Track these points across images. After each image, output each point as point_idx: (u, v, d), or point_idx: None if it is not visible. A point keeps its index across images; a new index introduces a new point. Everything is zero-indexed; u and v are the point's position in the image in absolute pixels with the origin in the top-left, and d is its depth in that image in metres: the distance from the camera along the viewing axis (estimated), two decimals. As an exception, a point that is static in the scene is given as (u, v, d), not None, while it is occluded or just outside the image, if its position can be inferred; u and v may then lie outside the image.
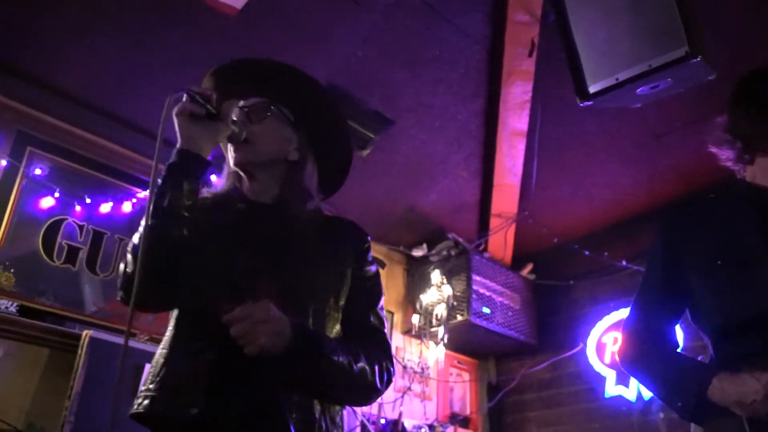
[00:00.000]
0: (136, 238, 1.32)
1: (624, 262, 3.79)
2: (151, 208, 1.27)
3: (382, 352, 1.39)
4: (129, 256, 1.33)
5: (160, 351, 1.37)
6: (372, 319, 1.44)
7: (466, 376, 4.47)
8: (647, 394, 3.53)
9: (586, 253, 3.86)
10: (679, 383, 1.49)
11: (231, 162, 1.51)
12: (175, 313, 1.41)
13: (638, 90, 2.31)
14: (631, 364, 1.63)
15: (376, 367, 1.35)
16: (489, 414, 4.39)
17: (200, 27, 2.86)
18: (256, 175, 1.50)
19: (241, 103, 1.51)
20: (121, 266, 1.36)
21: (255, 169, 1.50)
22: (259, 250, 1.36)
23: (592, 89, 2.34)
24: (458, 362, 4.44)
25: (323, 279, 1.40)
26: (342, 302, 1.42)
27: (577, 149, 3.65)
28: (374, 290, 1.49)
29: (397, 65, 3.24)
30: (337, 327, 1.41)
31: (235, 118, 1.44)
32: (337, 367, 1.28)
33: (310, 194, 1.51)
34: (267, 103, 1.50)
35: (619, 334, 3.78)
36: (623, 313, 3.81)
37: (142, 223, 1.29)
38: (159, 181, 1.32)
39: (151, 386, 1.30)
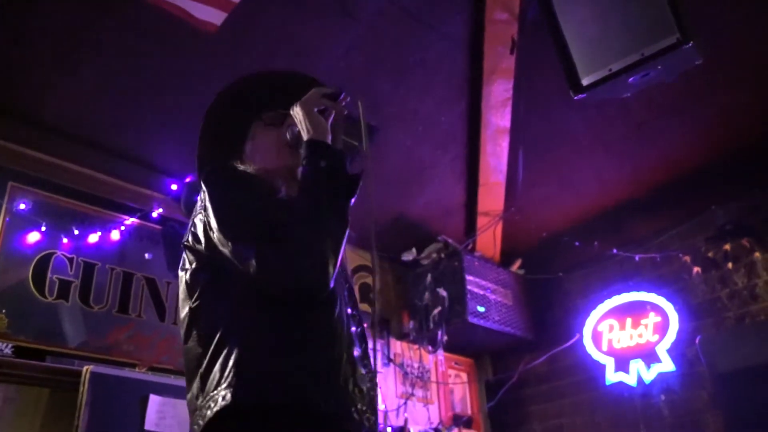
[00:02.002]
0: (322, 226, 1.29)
1: (615, 251, 3.84)
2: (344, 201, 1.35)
3: None
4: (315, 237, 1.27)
5: (311, 352, 1.29)
6: None
7: (464, 376, 4.47)
8: (648, 377, 3.58)
9: (576, 243, 3.90)
10: None
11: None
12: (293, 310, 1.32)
13: (630, 79, 2.35)
14: None
15: None
16: (490, 412, 4.40)
17: (177, 48, 2.81)
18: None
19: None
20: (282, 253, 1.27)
21: None
22: None
23: (585, 81, 2.37)
24: (456, 363, 4.44)
25: None
26: None
27: (560, 143, 3.70)
28: None
29: (381, 74, 3.24)
30: None
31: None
32: None
33: None
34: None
35: (614, 322, 3.83)
36: (617, 300, 3.87)
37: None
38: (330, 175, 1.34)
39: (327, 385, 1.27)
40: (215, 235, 1.32)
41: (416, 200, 4.09)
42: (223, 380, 1.22)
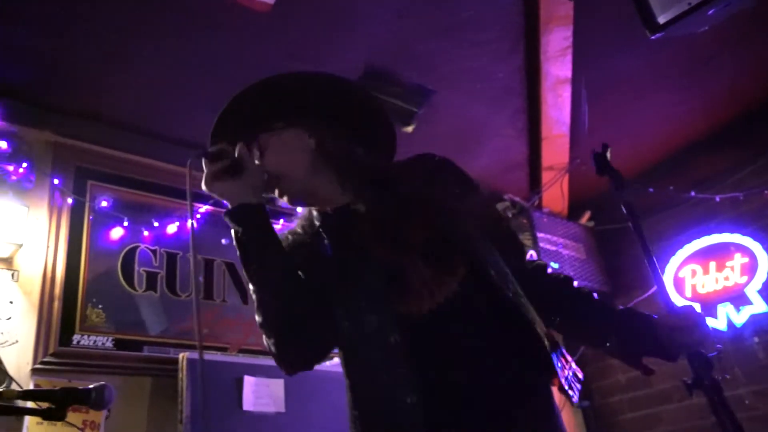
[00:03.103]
0: (257, 316, 1.27)
1: (693, 193, 3.71)
2: (252, 281, 1.28)
3: None
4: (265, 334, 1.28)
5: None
6: None
7: (541, 334, 4.44)
8: (739, 320, 3.48)
9: (650, 190, 3.78)
10: None
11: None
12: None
13: (710, 11, 2.23)
14: None
15: None
16: (572, 367, 4.36)
17: (232, 30, 2.80)
18: (311, 200, 1.44)
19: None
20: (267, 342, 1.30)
21: (306, 197, 1.43)
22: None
23: (662, 20, 2.26)
24: (532, 322, 4.41)
25: None
26: None
27: (623, 87, 3.56)
28: None
29: (433, 35, 3.17)
30: None
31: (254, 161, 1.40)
32: None
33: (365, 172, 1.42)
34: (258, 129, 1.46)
35: (697, 266, 3.72)
36: (697, 244, 3.76)
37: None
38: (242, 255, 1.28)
39: None
40: None
41: (477, 160, 4.03)
42: None
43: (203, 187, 1.35)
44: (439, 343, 1.19)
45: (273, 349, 1.25)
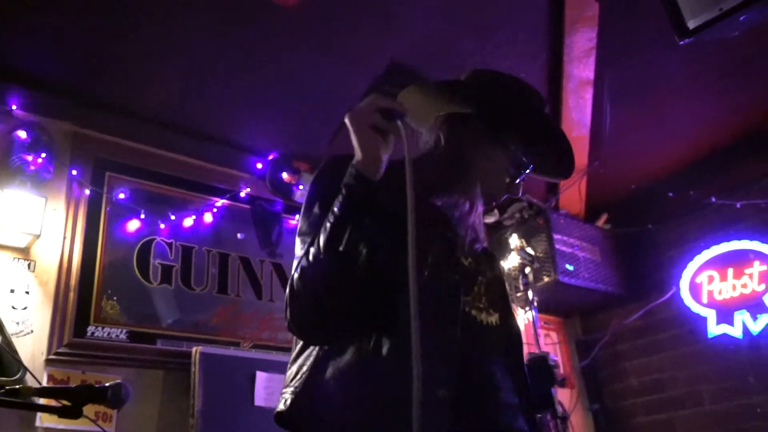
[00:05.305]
0: (302, 274, 1.16)
1: (713, 199, 3.65)
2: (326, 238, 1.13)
3: None
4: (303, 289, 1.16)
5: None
6: None
7: (554, 336, 4.41)
8: (755, 328, 3.43)
9: (670, 194, 3.73)
10: None
11: None
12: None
13: (742, 18, 2.17)
14: None
15: None
16: (584, 371, 4.34)
17: (264, 27, 2.78)
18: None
19: None
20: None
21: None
22: None
23: (692, 25, 2.19)
24: (545, 323, 4.38)
25: None
26: None
27: (651, 89, 3.50)
28: None
29: (464, 34, 3.13)
30: None
31: None
32: None
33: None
34: None
35: (714, 272, 3.68)
36: (715, 250, 3.71)
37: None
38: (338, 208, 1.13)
39: None
40: None
41: (495, 160, 3.99)
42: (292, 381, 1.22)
43: (348, 118, 1.14)
44: (480, 357, 1.28)
45: (304, 311, 1.16)
